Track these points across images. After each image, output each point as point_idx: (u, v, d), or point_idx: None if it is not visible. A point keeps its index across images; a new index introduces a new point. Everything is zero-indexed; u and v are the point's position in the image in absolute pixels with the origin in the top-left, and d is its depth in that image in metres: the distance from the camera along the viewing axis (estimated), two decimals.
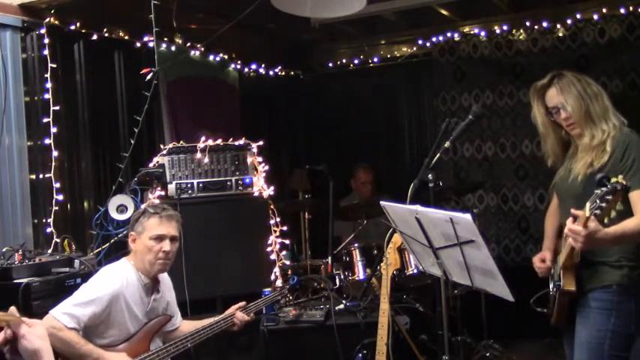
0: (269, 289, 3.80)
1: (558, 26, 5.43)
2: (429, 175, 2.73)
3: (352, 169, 5.81)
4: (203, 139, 4.25)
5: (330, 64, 6.59)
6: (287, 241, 4.40)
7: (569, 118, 2.67)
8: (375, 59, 6.38)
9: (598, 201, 2.20)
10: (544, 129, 2.82)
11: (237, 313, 3.25)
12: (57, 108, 4.12)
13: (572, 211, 2.30)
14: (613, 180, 2.20)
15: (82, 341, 2.76)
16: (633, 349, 2.55)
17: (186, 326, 3.24)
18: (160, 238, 2.98)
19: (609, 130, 2.60)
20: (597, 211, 2.20)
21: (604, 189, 2.19)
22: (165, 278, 3.20)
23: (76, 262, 3.48)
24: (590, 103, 2.64)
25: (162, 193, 4.11)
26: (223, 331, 3.22)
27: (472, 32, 5.82)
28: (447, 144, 2.74)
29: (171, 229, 3.03)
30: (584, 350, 2.57)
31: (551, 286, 2.74)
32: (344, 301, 3.80)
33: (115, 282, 2.91)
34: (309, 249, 4.83)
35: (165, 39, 4.91)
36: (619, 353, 2.53)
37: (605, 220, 2.27)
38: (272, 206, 4.31)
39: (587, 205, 2.23)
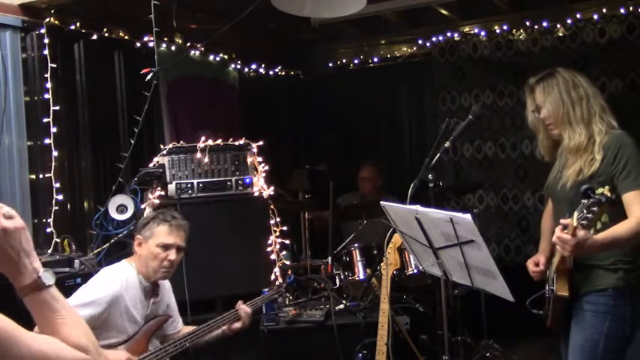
0: (269, 289, 3.79)
1: (558, 26, 5.43)
2: (429, 175, 2.74)
3: (353, 168, 5.80)
4: (203, 139, 4.25)
5: (330, 64, 6.59)
6: (287, 241, 4.41)
7: (547, 118, 2.66)
8: (375, 59, 6.38)
9: (585, 211, 2.21)
10: (534, 126, 2.81)
11: (241, 306, 3.24)
12: (57, 108, 4.12)
13: (562, 220, 2.30)
14: (598, 191, 2.21)
15: None
16: (628, 352, 2.55)
17: (187, 330, 3.24)
18: (166, 247, 2.98)
19: (593, 135, 2.56)
20: (584, 222, 2.21)
21: (590, 200, 2.20)
22: (164, 281, 3.19)
23: (76, 262, 3.48)
24: (571, 107, 2.59)
25: (162, 193, 4.10)
26: (224, 333, 3.21)
27: (472, 32, 5.82)
28: (447, 144, 2.74)
29: (179, 239, 3.03)
30: (577, 353, 2.56)
31: (546, 288, 2.74)
32: (344, 301, 3.80)
33: (114, 284, 2.90)
34: (309, 249, 4.83)
35: (166, 39, 4.91)
36: (613, 356, 2.52)
37: (591, 231, 2.28)
38: (272, 206, 4.31)
39: (575, 214, 2.23)
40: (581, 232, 2.23)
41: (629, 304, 2.51)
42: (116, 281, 2.91)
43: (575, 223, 2.22)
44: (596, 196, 2.19)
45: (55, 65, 4.12)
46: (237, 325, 3.23)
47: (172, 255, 2.98)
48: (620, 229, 2.40)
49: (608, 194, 2.21)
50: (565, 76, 2.67)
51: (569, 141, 2.60)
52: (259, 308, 3.53)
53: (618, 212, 2.47)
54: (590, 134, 2.57)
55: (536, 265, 2.77)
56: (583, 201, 2.22)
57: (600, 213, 2.23)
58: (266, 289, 3.72)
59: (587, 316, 2.54)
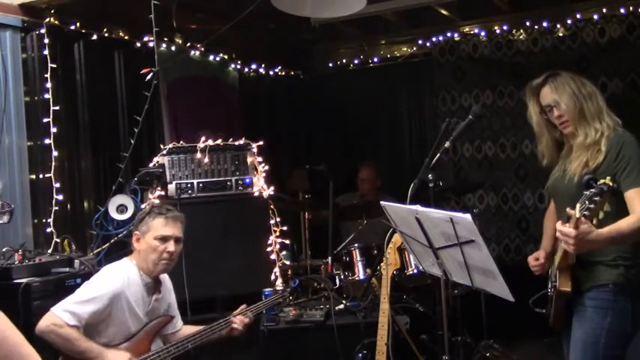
0: (269, 289, 3.79)
1: (558, 26, 5.43)
2: (429, 175, 2.74)
3: (352, 168, 5.81)
4: (203, 139, 4.25)
5: (330, 64, 6.59)
6: (287, 241, 4.41)
7: (562, 116, 2.68)
8: (375, 59, 6.39)
9: (587, 202, 2.22)
10: (539, 128, 2.82)
11: (236, 318, 3.23)
12: (57, 108, 4.12)
13: (567, 210, 2.30)
14: (600, 181, 2.23)
15: (82, 338, 2.77)
16: (630, 347, 2.56)
17: (187, 330, 3.24)
18: (164, 239, 2.99)
19: (603, 130, 2.60)
20: (586, 212, 2.22)
21: (592, 190, 2.21)
22: (166, 280, 3.20)
23: (76, 262, 3.49)
24: (585, 102, 2.64)
25: (162, 193, 4.10)
26: (224, 335, 3.21)
27: (472, 32, 5.82)
28: (447, 144, 2.74)
29: (176, 231, 3.04)
30: (578, 348, 2.58)
31: (549, 286, 2.75)
32: (344, 301, 3.80)
33: (116, 280, 2.91)
34: (309, 249, 4.83)
35: (166, 39, 4.91)
36: (614, 352, 2.53)
37: (594, 221, 2.29)
38: (272, 206, 4.31)
39: (578, 206, 2.24)
40: (584, 226, 2.23)
41: (629, 300, 2.53)
42: (118, 278, 2.93)
43: (577, 215, 2.22)
44: (599, 186, 2.20)
45: (55, 65, 4.12)
46: (233, 332, 3.22)
47: (171, 246, 2.99)
48: (623, 224, 2.42)
49: (610, 184, 2.22)
50: (570, 75, 2.72)
51: (584, 138, 2.62)
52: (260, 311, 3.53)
53: (620, 204, 2.49)
54: (602, 130, 2.60)
55: (537, 259, 2.78)
56: (585, 192, 2.23)
57: (602, 203, 2.24)
58: (266, 290, 3.73)
59: (589, 312, 2.56)
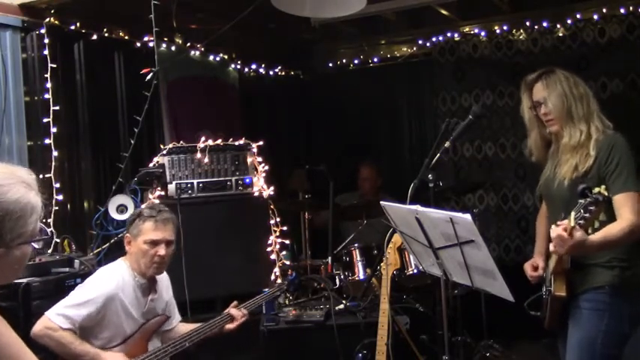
0: (269, 289, 3.79)
1: (558, 26, 5.43)
2: (429, 175, 2.74)
3: (352, 168, 5.81)
4: (203, 139, 4.25)
5: (330, 64, 6.59)
6: (287, 241, 4.41)
7: (548, 113, 2.68)
8: (375, 59, 6.38)
9: (582, 211, 2.23)
10: (529, 123, 2.84)
11: (232, 310, 3.24)
12: (57, 108, 4.12)
13: (558, 222, 2.32)
14: (595, 191, 2.23)
15: (77, 341, 2.76)
16: (628, 346, 2.56)
17: (183, 327, 3.23)
18: (154, 243, 2.96)
19: (591, 132, 2.59)
20: (581, 222, 2.23)
21: (587, 200, 2.21)
22: (162, 277, 3.18)
23: (76, 262, 3.49)
24: (574, 102, 2.64)
25: (162, 193, 4.11)
26: (221, 331, 3.21)
27: (472, 32, 5.82)
28: (447, 144, 2.75)
29: (167, 234, 3.00)
30: (575, 350, 2.58)
31: (543, 289, 2.75)
32: (344, 301, 3.80)
33: (110, 283, 2.90)
34: (309, 249, 4.83)
35: (165, 39, 4.91)
36: (611, 351, 2.54)
37: (589, 230, 2.30)
38: (272, 206, 4.31)
39: (572, 214, 2.25)
40: (578, 233, 2.24)
41: (626, 302, 2.53)
42: (112, 280, 2.92)
43: (572, 223, 2.23)
44: (594, 196, 2.21)
45: (55, 65, 4.12)
46: (230, 326, 3.22)
47: (161, 250, 2.97)
48: (612, 230, 2.43)
49: (605, 193, 2.23)
50: (565, 74, 2.72)
51: (569, 138, 2.63)
52: (259, 308, 3.52)
53: (613, 212, 2.49)
54: (589, 132, 2.60)
55: (534, 268, 2.78)
56: (580, 201, 2.24)
57: (598, 212, 2.25)
58: (266, 289, 3.73)
59: (585, 314, 2.56)
